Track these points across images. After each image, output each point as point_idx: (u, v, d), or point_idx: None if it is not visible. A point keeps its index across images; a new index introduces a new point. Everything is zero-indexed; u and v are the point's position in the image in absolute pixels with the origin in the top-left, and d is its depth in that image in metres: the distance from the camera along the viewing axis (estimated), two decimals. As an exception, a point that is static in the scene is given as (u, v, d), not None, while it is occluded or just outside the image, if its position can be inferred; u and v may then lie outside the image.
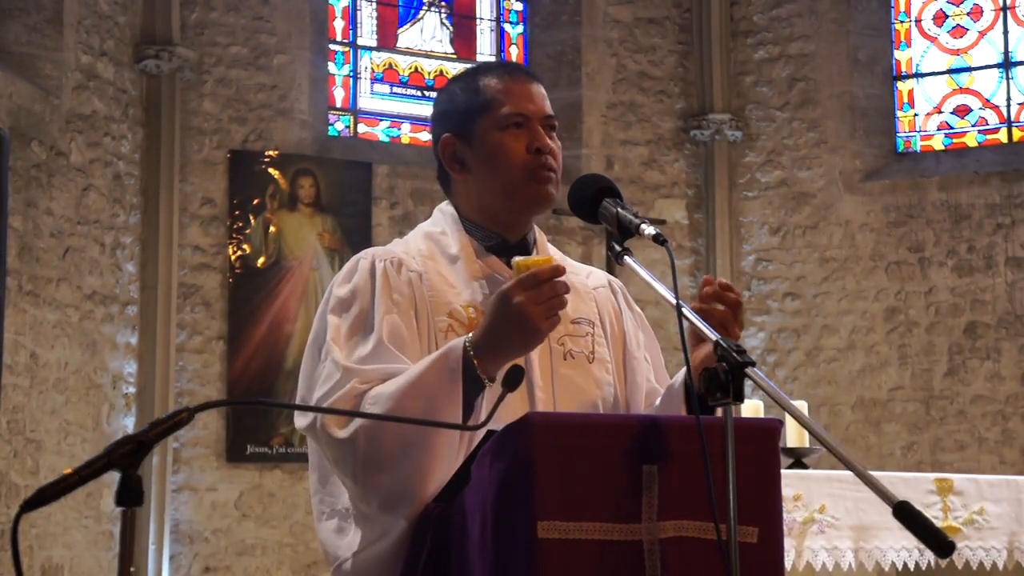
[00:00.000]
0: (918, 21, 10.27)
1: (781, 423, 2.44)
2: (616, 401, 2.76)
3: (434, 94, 9.88)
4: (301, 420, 2.61)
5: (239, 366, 8.68)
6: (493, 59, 10.13)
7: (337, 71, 9.71)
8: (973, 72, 10.13)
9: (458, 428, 2.43)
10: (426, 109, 9.89)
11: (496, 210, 2.76)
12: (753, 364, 2.14)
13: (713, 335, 2.22)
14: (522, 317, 2.41)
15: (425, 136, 9.82)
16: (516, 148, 2.71)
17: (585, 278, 2.91)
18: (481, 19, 10.28)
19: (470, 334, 2.49)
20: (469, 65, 9.90)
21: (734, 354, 2.13)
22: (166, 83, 8.70)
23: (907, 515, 1.95)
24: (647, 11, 10.21)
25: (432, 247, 2.77)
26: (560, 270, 2.45)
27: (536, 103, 2.76)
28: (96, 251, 8.12)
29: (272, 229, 8.89)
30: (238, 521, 8.61)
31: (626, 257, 2.51)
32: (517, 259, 2.51)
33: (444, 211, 2.84)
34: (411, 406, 2.43)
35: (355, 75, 9.79)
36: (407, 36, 10.06)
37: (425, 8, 10.13)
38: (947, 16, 10.23)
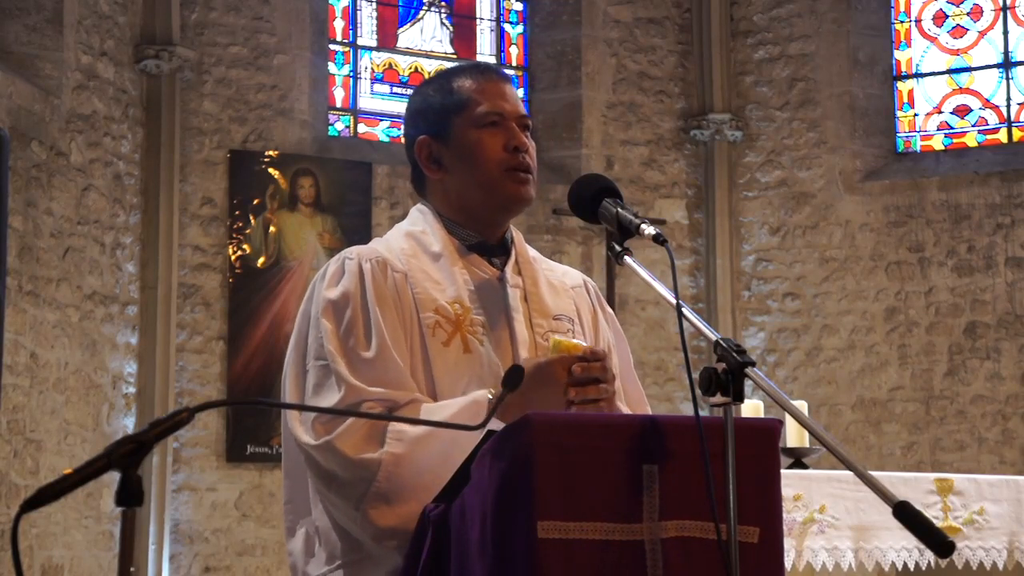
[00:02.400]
0: (918, 21, 10.27)
1: (781, 423, 2.45)
2: None
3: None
4: (308, 438, 2.60)
5: (239, 366, 8.68)
6: (493, 59, 10.14)
7: (337, 71, 9.71)
8: (973, 72, 10.13)
9: (458, 428, 2.43)
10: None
11: (475, 208, 2.78)
12: (753, 364, 2.14)
13: (713, 335, 2.22)
14: (557, 395, 2.51)
15: (425, 136, 9.81)
16: (493, 146, 2.74)
17: (562, 276, 2.94)
18: (481, 19, 10.28)
19: (492, 390, 2.53)
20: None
21: (734, 354, 2.13)
22: (166, 83, 8.70)
23: (907, 515, 1.95)
24: (647, 11, 10.21)
25: (414, 245, 2.78)
26: (600, 354, 2.55)
27: (511, 103, 2.79)
28: (96, 251, 8.12)
29: (272, 229, 8.89)
30: (238, 521, 8.61)
31: (626, 257, 2.52)
32: (556, 337, 2.63)
33: (423, 211, 2.86)
34: (432, 451, 2.49)
35: (355, 75, 9.79)
36: (407, 36, 10.06)
37: (425, 8, 10.13)
38: (947, 16, 10.23)
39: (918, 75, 10.22)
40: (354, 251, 2.77)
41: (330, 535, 2.64)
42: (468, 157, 2.75)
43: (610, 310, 3.01)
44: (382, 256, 2.74)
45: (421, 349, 2.67)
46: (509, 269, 2.80)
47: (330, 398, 2.60)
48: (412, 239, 2.80)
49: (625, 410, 2.79)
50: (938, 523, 3.78)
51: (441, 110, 2.78)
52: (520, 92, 9.50)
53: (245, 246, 8.82)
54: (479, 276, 2.76)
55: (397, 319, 2.67)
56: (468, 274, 2.75)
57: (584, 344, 2.62)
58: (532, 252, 2.91)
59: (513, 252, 2.83)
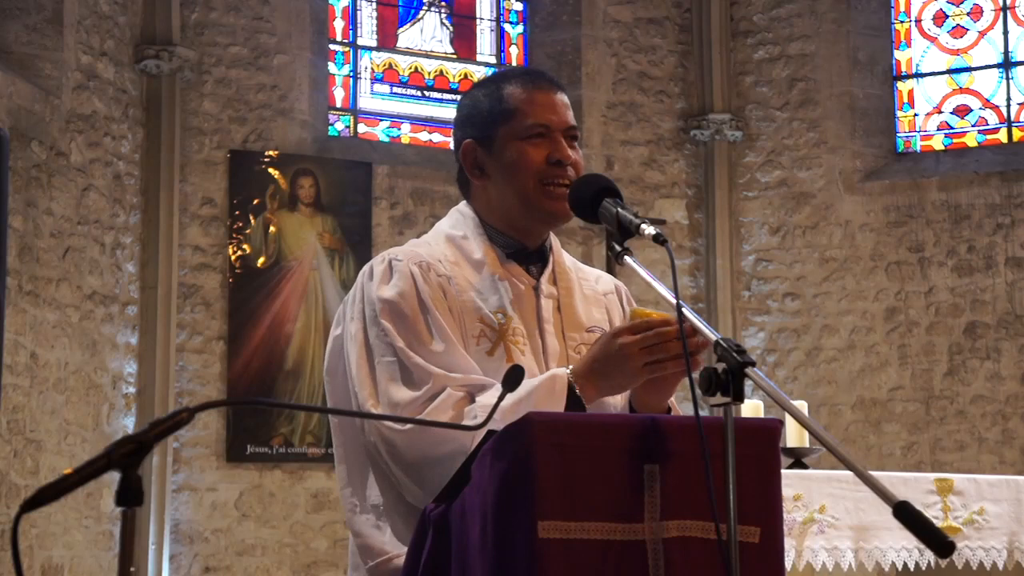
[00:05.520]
0: (918, 21, 10.27)
1: (781, 423, 2.44)
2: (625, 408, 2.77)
3: (434, 94, 9.99)
4: (397, 425, 2.56)
5: (239, 366, 8.68)
6: (493, 59, 10.14)
7: (337, 71, 9.71)
8: (973, 72, 10.13)
9: (458, 428, 2.43)
10: (426, 109, 9.90)
11: (514, 218, 2.78)
12: (753, 364, 2.13)
13: (714, 335, 2.22)
14: (623, 357, 2.49)
15: (425, 136, 9.82)
16: (536, 158, 2.73)
17: (595, 283, 2.92)
18: (481, 19, 10.28)
19: (571, 366, 2.55)
20: (469, 66, 10.00)
21: (734, 354, 2.13)
22: (166, 83, 8.70)
23: (907, 515, 1.94)
24: (647, 11, 10.21)
25: (456, 252, 2.78)
26: (670, 321, 2.49)
27: (559, 114, 2.77)
28: (96, 251, 8.12)
29: (272, 229, 8.89)
30: (238, 521, 8.61)
31: (626, 257, 2.52)
32: (635, 307, 2.65)
33: (464, 214, 2.85)
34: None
35: (355, 75, 9.79)
36: (407, 36, 10.06)
37: (425, 8, 10.13)
38: (947, 16, 10.23)
39: (918, 75, 10.22)
40: (400, 253, 2.76)
41: (408, 512, 2.62)
42: (510, 168, 2.74)
43: None
44: (425, 259, 2.73)
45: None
46: (544, 279, 2.80)
47: (413, 389, 2.59)
48: (453, 245, 2.79)
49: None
50: (938, 523, 3.78)
51: (488, 117, 2.77)
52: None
53: (245, 246, 8.82)
54: (516, 285, 2.76)
55: (449, 316, 2.68)
56: (507, 283, 2.75)
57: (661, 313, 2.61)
58: (569, 260, 2.90)
59: (551, 261, 2.83)
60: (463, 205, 2.87)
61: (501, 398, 2.37)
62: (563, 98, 2.80)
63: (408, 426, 2.55)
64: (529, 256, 2.80)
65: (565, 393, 2.52)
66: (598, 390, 2.53)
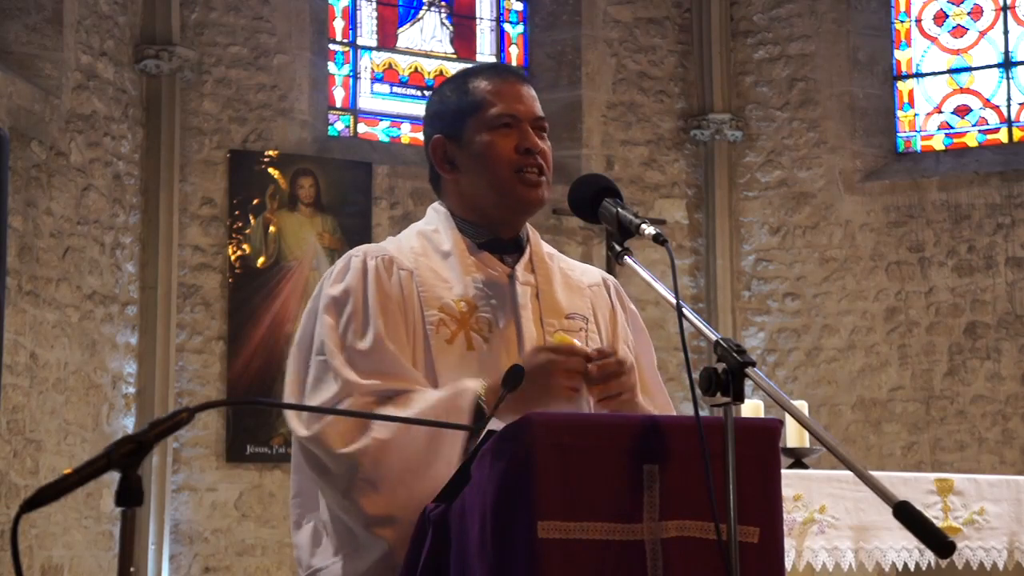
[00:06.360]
0: (918, 21, 10.27)
1: (781, 423, 2.44)
2: None
3: (434, 94, 9.97)
4: (302, 429, 2.60)
5: (239, 366, 8.67)
6: (493, 59, 10.13)
7: (337, 71, 9.71)
8: (973, 72, 10.13)
9: (459, 428, 2.43)
10: (426, 109, 9.90)
11: (487, 209, 2.79)
12: (753, 364, 2.14)
13: (713, 335, 2.22)
14: (546, 373, 2.51)
15: (425, 136, 9.81)
16: (505, 148, 2.74)
17: (580, 275, 2.93)
18: (481, 19, 10.28)
19: (483, 381, 2.55)
20: (468, 65, 9.96)
21: (734, 354, 2.13)
22: (166, 83, 8.70)
23: (907, 515, 1.95)
24: (647, 11, 10.21)
25: (425, 244, 2.80)
26: (590, 356, 2.55)
27: (526, 104, 2.78)
28: (96, 251, 8.12)
29: (272, 229, 8.89)
30: (238, 521, 8.61)
31: (626, 257, 2.52)
32: (560, 334, 2.67)
33: (438, 210, 2.87)
34: (417, 435, 2.49)
35: (355, 75, 9.79)
36: (407, 36, 10.06)
37: (425, 8, 10.13)
38: (947, 16, 10.23)
39: (918, 75, 10.22)
40: (362, 249, 2.79)
41: (333, 526, 2.65)
42: (480, 159, 2.75)
43: (633, 308, 2.99)
44: (388, 254, 2.75)
45: (425, 347, 2.67)
46: (521, 267, 2.80)
47: (326, 392, 2.62)
48: (423, 237, 2.81)
49: (648, 406, 2.77)
50: (938, 523, 3.78)
51: (456, 111, 2.79)
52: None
53: (245, 246, 8.82)
54: (489, 274, 2.76)
55: (400, 315, 2.68)
56: (477, 272, 2.75)
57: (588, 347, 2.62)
58: (549, 249, 2.91)
59: (528, 250, 2.84)
60: (437, 203, 2.88)
61: (501, 398, 2.38)
62: (530, 90, 2.82)
63: (307, 434, 2.57)
64: (504, 246, 2.81)
65: (469, 411, 2.51)
66: (513, 409, 2.46)
